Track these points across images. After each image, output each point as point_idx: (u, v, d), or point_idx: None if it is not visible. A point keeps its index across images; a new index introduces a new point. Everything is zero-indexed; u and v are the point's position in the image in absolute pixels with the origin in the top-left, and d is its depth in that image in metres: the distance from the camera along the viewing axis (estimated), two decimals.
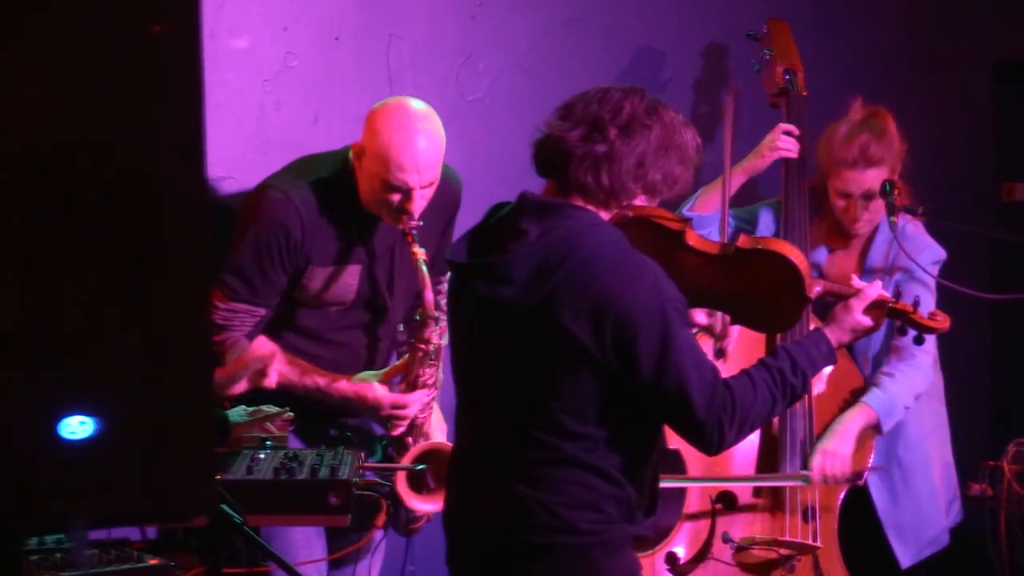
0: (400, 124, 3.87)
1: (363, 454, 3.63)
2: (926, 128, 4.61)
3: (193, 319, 2.20)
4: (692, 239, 3.22)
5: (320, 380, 4.01)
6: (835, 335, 3.28)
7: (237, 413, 3.64)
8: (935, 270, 4.46)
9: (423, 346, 3.97)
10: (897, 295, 3.47)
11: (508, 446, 3.07)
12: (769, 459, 4.37)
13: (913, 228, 4.47)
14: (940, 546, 4.56)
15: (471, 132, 4.60)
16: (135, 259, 2.13)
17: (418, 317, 4.01)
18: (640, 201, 3.08)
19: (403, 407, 4.00)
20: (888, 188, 4.34)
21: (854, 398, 4.44)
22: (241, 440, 3.61)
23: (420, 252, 3.90)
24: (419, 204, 3.89)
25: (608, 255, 2.99)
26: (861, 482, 4.39)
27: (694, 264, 3.22)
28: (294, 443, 3.99)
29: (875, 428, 4.38)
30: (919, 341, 3.63)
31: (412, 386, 4.02)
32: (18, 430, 2.08)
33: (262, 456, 3.48)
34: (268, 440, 3.60)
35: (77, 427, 2.09)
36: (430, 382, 4.02)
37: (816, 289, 3.33)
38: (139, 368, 2.14)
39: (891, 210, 4.33)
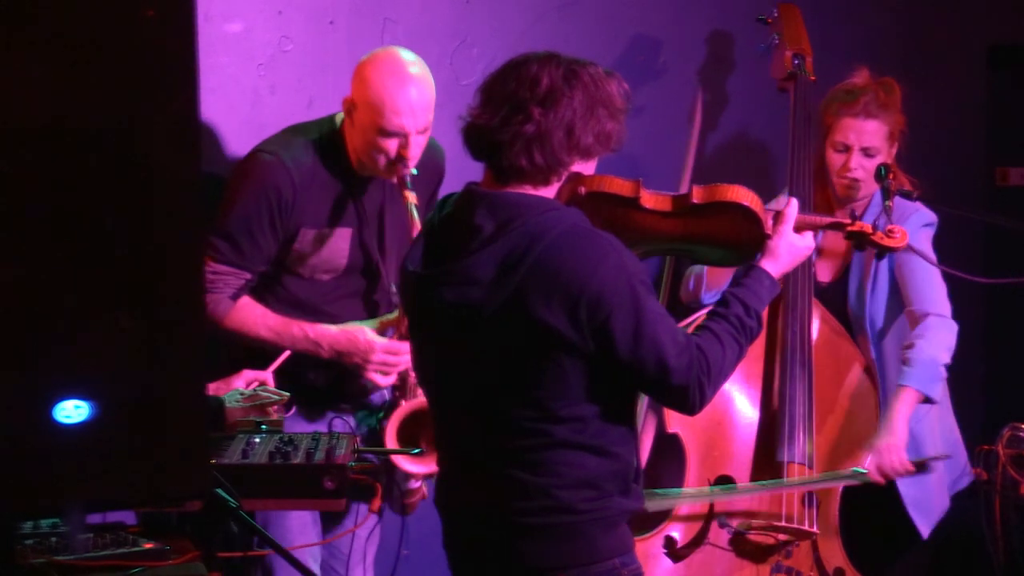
0: (392, 70, 3.91)
1: (358, 438, 3.63)
2: (920, 112, 4.61)
3: (187, 303, 2.20)
4: (647, 201, 3.27)
5: (308, 328, 4.00)
6: (773, 266, 3.29)
7: (233, 398, 3.64)
8: (927, 232, 4.46)
9: None
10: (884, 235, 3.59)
11: (499, 437, 3.07)
12: (767, 444, 4.37)
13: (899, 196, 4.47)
14: (944, 510, 4.55)
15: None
16: (129, 243, 2.13)
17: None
18: (577, 167, 3.07)
19: (396, 353, 3.98)
20: (884, 172, 4.34)
21: (857, 380, 4.44)
22: (237, 425, 3.61)
23: (412, 196, 3.92)
24: (415, 151, 3.91)
25: (568, 240, 2.99)
26: (927, 471, 4.37)
27: (653, 223, 3.29)
28: (295, 426, 4.00)
29: (926, 401, 4.35)
30: (879, 257, 3.82)
31: (404, 337, 3.99)
32: (13, 414, 2.08)
33: (257, 440, 3.48)
34: (264, 424, 3.60)
35: (72, 411, 2.09)
36: None
37: (771, 222, 3.36)
38: (134, 352, 2.14)
39: (886, 194, 4.32)
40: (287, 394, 3.74)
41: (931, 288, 4.42)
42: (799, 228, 3.36)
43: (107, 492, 2.21)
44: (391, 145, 3.90)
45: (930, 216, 4.49)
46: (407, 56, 3.97)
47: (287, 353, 3.93)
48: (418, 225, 3.91)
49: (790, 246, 3.32)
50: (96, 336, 2.11)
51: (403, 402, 4.08)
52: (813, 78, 4.62)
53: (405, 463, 4.03)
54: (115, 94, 2.10)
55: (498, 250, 3.00)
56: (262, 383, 3.78)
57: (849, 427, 4.42)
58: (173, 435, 2.19)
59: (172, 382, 2.18)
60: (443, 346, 3.13)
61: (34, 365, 2.09)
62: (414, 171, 3.93)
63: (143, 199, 2.13)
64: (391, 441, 4.03)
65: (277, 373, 3.89)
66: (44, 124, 2.06)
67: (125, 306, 2.12)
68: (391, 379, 4.03)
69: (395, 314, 4.05)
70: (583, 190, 3.11)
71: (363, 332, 3.99)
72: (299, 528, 4.03)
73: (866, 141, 4.41)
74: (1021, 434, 4.28)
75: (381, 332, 4.02)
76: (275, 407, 3.69)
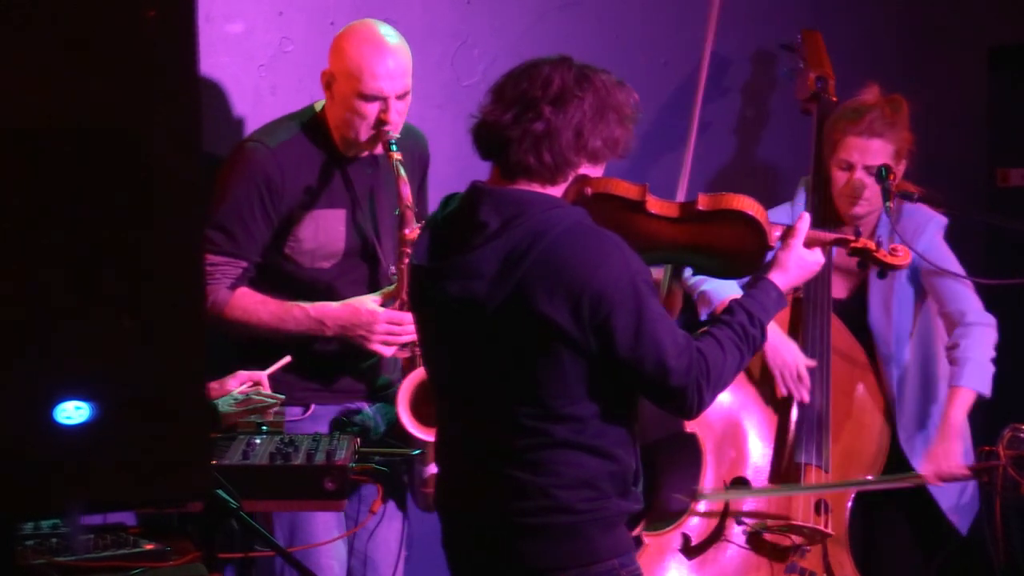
0: (366, 37, 3.98)
1: (359, 440, 3.62)
2: (921, 113, 4.61)
3: (188, 303, 2.20)
4: (653, 206, 3.27)
5: (309, 308, 3.99)
6: (781, 279, 3.29)
7: (226, 402, 3.64)
8: (941, 236, 4.48)
9: (408, 249, 3.93)
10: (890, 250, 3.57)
11: (499, 435, 3.08)
12: (785, 446, 4.38)
13: (911, 203, 4.46)
14: (977, 505, 4.55)
15: (467, 117, 4.59)
16: (130, 243, 2.13)
17: (397, 212, 4.00)
18: (585, 169, 3.09)
19: (399, 323, 3.97)
20: (884, 173, 4.34)
21: (864, 392, 4.45)
22: (234, 427, 3.60)
23: (397, 154, 3.95)
24: (395, 116, 3.95)
25: (573, 237, 3.00)
26: (986, 479, 4.37)
27: (657, 228, 3.28)
28: (316, 424, 4.01)
29: (979, 397, 4.36)
30: (882, 275, 3.77)
31: (405, 305, 3.97)
32: (14, 415, 2.07)
33: (258, 441, 3.48)
34: (264, 425, 3.60)
35: (73, 412, 2.09)
36: None
37: (775, 234, 3.36)
38: (134, 353, 2.14)
39: (887, 195, 4.32)
40: (282, 396, 3.74)
41: (961, 287, 4.44)
42: (805, 243, 3.37)
43: (108, 493, 2.21)
44: (371, 110, 3.94)
45: (943, 220, 4.50)
46: (381, 25, 4.03)
47: (287, 359, 3.93)
48: (404, 178, 3.94)
49: (799, 260, 3.32)
50: (96, 336, 2.11)
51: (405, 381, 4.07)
52: (835, 99, 4.68)
53: (414, 430, 3.99)
54: (115, 94, 2.10)
55: (502, 245, 3.01)
56: (256, 383, 3.77)
57: (858, 436, 4.44)
58: (174, 436, 2.19)
59: (172, 382, 2.18)
60: (446, 340, 3.14)
61: (34, 366, 2.09)
62: (397, 136, 3.95)
63: (143, 199, 2.13)
64: (404, 412, 3.99)
65: (298, 368, 3.91)
66: (45, 124, 2.06)
67: (125, 306, 2.12)
68: (393, 350, 4.03)
69: (394, 286, 4.04)
70: (589, 191, 3.11)
71: (364, 303, 3.99)
72: (323, 529, 4.03)
73: (870, 159, 4.39)
74: (1021, 435, 4.28)
75: (384, 303, 4.02)
76: (270, 411, 3.69)
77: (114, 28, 2.09)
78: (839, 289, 4.56)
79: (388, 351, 4.01)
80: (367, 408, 4.15)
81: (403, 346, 4.03)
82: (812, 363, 4.37)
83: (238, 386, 3.73)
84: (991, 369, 4.38)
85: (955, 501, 4.48)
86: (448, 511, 3.23)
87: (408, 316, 3.94)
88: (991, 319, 4.44)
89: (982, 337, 4.40)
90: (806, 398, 4.34)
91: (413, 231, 3.95)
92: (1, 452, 2.08)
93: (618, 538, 3.13)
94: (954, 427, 4.33)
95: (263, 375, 3.81)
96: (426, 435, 3.99)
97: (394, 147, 3.95)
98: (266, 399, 3.68)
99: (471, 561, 3.20)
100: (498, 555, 3.12)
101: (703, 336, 3.14)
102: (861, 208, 4.43)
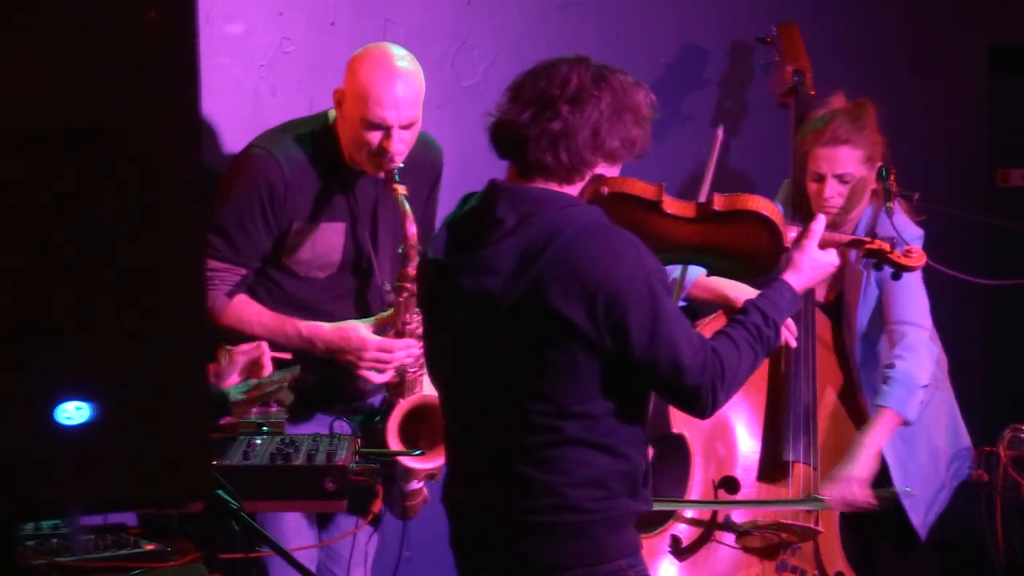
0: (379, 63, 3.94)
1: (359, 440, 3.63)
2: (921, 114, 4.62)
3: (188, 303, 2.20)
4: (669, 206, 3.27)
5: (302, 327, 4.00)
6: (796, 280, 3.30)
7: (238, 391, 3.64)
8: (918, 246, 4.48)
9: (408, 284, 3.95)
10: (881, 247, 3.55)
11: (509, 432, 3.08)
12: (773, 445, 4.38)
13: (896, 205, 4.46)
14: (942, 507, 4.53)
15: (466, 118, 4.60)
16: (130, 244, 2.13)
17: (400, 250, 4.00)
18: (601, 169, 3.09)
19: (389, 351, 3.99)
20: (884, 173, 4.34)
21: (850, 377, 4.46)
22: (239, 424, 3.61)
23: (401, 188, 3.93)
24: (398, 146, 3.93)
25: (588, 235, 3.01)
26: (890, 504, 4.36)
27: (673, 228, 3.29)
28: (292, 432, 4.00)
29: (904, 423, 4.35)
30: (896, 277, 3.72)
31: (400, 334, 4.00)
32: (14, 415, 2.07)
33: (258, 442, 3.48)
34: (265, 426, 3.60)
35: (73, 412, 2.09)
36: (419, 331, 3.98)
37: (791, 235, 3.37)
38: (134, 353, 2.14)
39: (887, 196, 4.32)
40: (287, 374, 3.72)
41: (914, 304, 4.43)
42: (820, 245, 3.37)
43: (108, 493, 2.21)
44: (374, 137, 3.92)
45: (918, 233, 4.48)
46: (397, 51, 4.00)
47: (296, 371, 3.93)
48: (410, 216, 3.93)
49: (813, 261, 3.32)
50: (96, 336, 2.11)
51: (400, 400, 4.08)
52: (813, 93, 4.68)
53: (408, 460, 4.02)
54: (116, 94, 2.10)
55: (518, 242, 3.01)
56: (256, 359, 3.75)
57: (846, 432, 4.44)
58: (174, 436, 2.19)
59: (173, 383, 2.18)
60: (458, 335, 3.14)
61: (35, 366, 2.09)
62: (401, 165, 3.94)
63: (143, 199, 2.13)
64: (392, 440, 4.02)
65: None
66: (45, 124, 2.06)
67: (125, 306, 2.12)
68: (386, 376, 4.03)
69: (390, 312, 4.05)
70: (606, 190, 3.12)
71: (356, 329, 3.99)
72: (295, 530, 4.03)
73: (838, 168, 4.37)
74: (1022, 435, 4.29)
75: (378, 330, 4.02)
76: (282, 391, 3.68)
77: (114, 28, 2.09)
78: (818, 291, 4.56)
79: (376, 377, 4.02)
80: (348, 426, 4.16)
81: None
82: None
83: (240, 358, 3.72)
84: (920, 397, 4.35)
85: (922, 518, 4.47)
86: (456, 509, 3.24)
87: (398, 344, 3.97)
88: (932, 347, 4.43)
89: (918, 364, 4.36)
90: (793, 343, 4.32)
91: (414, 270, 3.95)
92: (1, 452, 2.08)
93: (626, 538, 3.13)
94: (865, 455, 4.31)
95: (263, 344, 3.79)
96: (419, 463, 4.00)
97: (397, 178, 3.93)
98: (276, 382, 3.68)
99: (478, 559, 3.19)
100: (505, 553, 3.12)
101: (718, 336, 3.15)
102: (840, 216, 4.41)
